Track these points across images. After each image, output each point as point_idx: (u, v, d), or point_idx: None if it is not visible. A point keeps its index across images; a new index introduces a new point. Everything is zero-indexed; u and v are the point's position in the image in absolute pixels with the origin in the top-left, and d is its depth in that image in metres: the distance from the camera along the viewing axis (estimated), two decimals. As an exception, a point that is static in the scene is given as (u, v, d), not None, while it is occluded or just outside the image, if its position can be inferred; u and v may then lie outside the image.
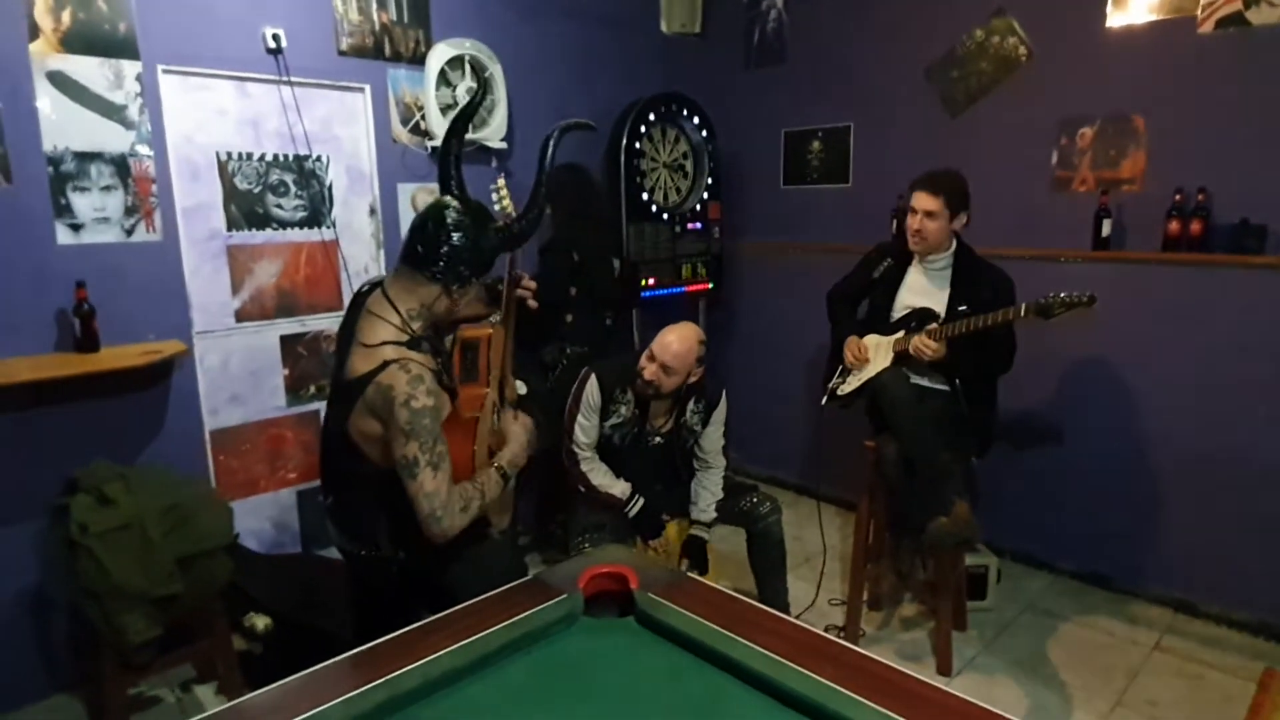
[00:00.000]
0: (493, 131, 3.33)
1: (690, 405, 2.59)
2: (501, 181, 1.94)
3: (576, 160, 3.61)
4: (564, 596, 1.53)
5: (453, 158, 1.78)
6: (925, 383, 2.68)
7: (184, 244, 2.71)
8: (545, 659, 1.40)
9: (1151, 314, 2.95)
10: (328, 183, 3.03)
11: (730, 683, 1.34)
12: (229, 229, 2.83)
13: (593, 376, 2.58)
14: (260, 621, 2.55)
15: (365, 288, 1.81)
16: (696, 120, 3.91)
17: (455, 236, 1.64)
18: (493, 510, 1.84)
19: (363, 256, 3.16)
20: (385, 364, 1.60)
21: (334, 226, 3.06)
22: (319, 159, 2.99)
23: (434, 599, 1.84)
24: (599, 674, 1.38)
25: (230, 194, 2.81)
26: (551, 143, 1.83)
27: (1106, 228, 3.00)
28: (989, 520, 3.20)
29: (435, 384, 1.63)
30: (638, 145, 3.69)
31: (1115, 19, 2.95)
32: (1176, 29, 2.81)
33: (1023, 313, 2.38)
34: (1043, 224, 3.18)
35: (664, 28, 4.02)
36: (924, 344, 2.53)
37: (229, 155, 2.80)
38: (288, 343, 3.00)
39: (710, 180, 3.98)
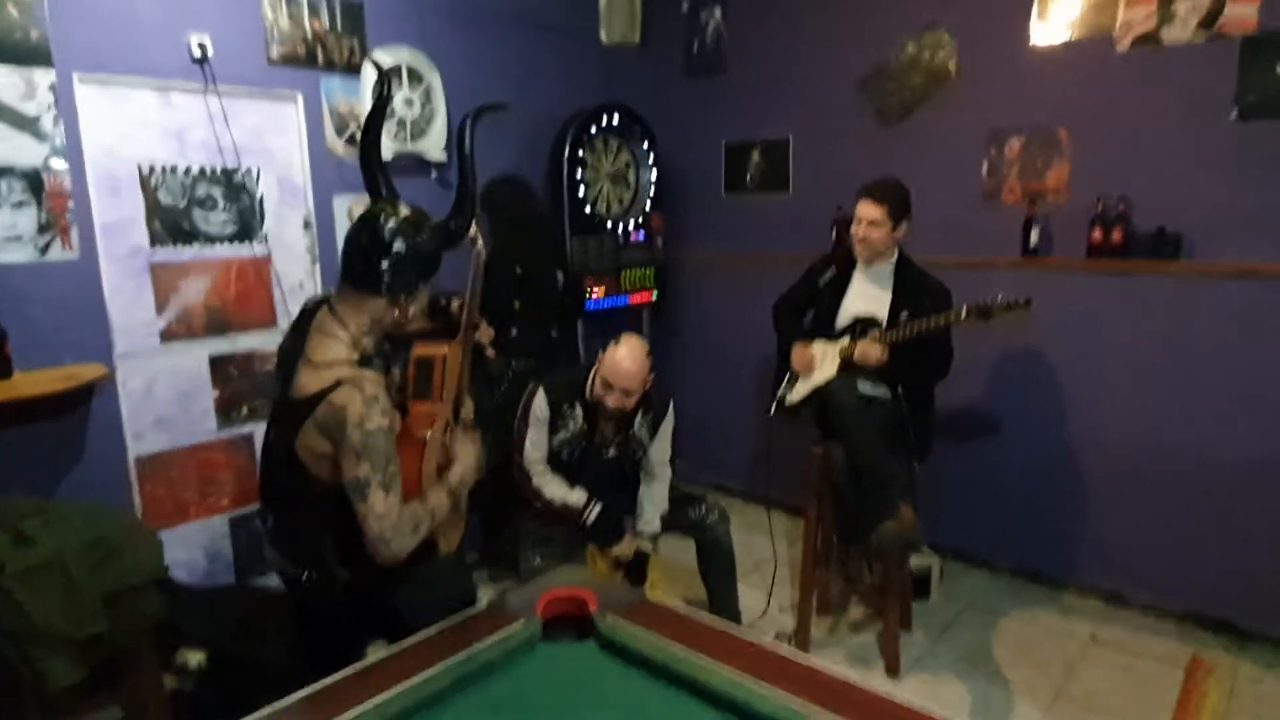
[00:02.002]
0: (431, 143, 3.27)
1: (638, 417, 2.59)
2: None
3: (518, 172, 3.57)
4: (521, 622, 1.50)
5: (375, 162, 1.74)
6: (870, 389, 2.74)
7: (103, 262, 2.57)
8: (504, 689, 1.37)
9: (1078, 318, 3.07)
10: (258, 196, 2.92)
11: (694, 704, 1.33)
12: (153, 245, 2.70)
13: (540, 391, 2.55)
14: (193, 658, 2.43)
15: (311, 305, 1.76)
16: (638, 130, 3.92)
17: (393, 245, 1.60)
18: (442, 529, 1.80)
19: (297, 272, 3.05)
20: (338, 383, 1.56)
21: (266, 241, 2.95)
22: (249, 171, 2.89)
23: (383, 621, 1.81)
24: (560, 702, 1.35)
25: (154, 209, 2.69)
26: (468, 130, 1.77)
27: (1034, 236, 3.12)
28: (929, 521, 3.26)
29: (389, 403, 1.60)
30: (580, 155, 3.68)
31: (1039, 36, 3.07)
32: (1096, 47, 2.95)
33: (964, 315, 2.46)
34: (974, 233, 3.28)
35: (603, 38, 4.02)
36: (869, 349, 2.58)
37: (152, 168, 2.67)
38: (218, 363, 2.88)
39: (653, 191, 3.99)
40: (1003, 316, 2.42)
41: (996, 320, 2.43)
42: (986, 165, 3.25)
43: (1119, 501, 3.10)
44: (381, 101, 1.78)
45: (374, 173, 1.74)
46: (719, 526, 2.68)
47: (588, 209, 3.74)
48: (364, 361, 1.64)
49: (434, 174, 3.35)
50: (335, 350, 1.61)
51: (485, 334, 1.98)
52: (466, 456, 1.85)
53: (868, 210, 2.65)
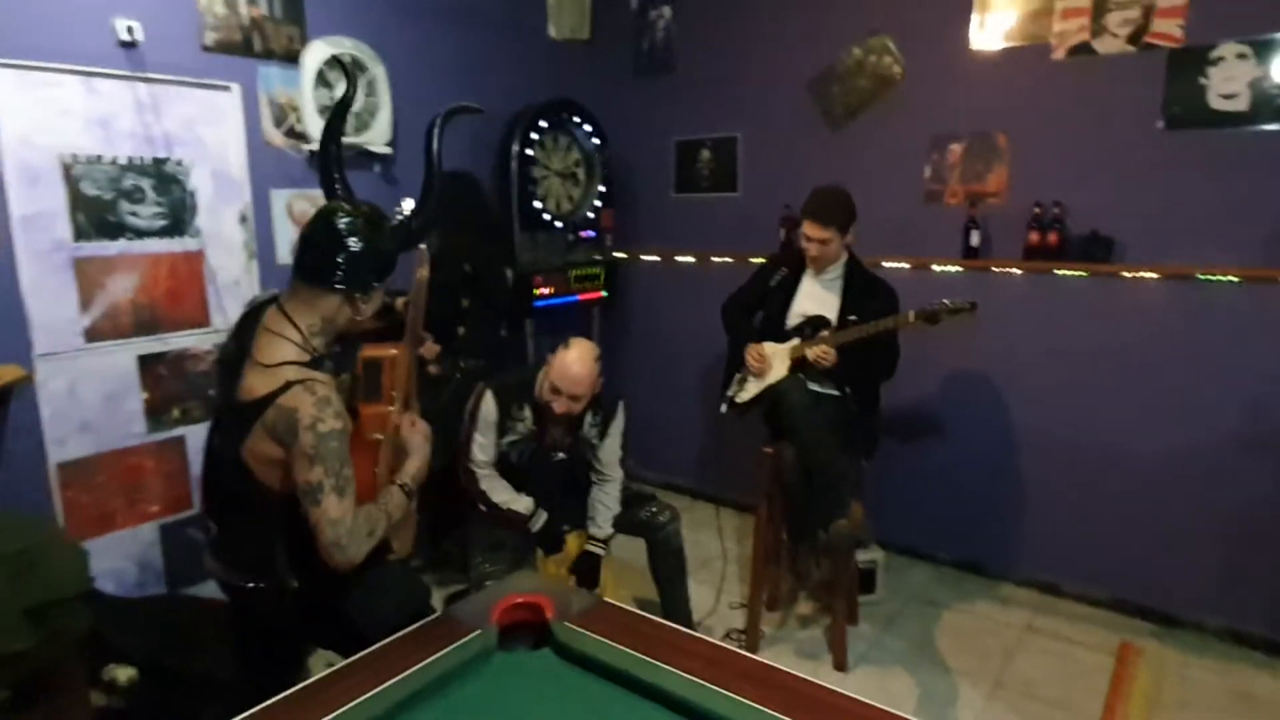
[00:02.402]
0: (376, 135, 3.18)
1: (588, 418, 2.56)
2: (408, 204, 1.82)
3: (466, 168, 3.50)
4: (477, 633, 1.47)
5: (333, 160, 1.69)
6: (819, 388, 2.77)
7: (21, 257, 2.43)
8: (461, 701, 1.34)
9: (1016, 319, 3.17)
10: (191, 188, 2.80)
11: (653, 709, 1.32)
12: (76, 239, 2.56)
13: (488, 394, 2.50)
14: (123, 674, 2.31)
15: (257, 304, 1.70)
16: (588, 128, 3.89)
17: (350, 242, 1.55)
18: (395, 531, 1.76)
19: (233, 268, 2.93)
20: (288, 385, 1.50)
21: (199, 235, 2.82)
22: (180, 162, 2.76)
23: (333, 630, 1.76)
24: (519, 713, 1.33)
25: (77, 201, 2.54)
26: (436, 130, 1.74)
27: (975, 238, 3.20)
28: (874, 517, 3.34)
29: (342, 405, 1.55)
30: (529, 153, 3.63)
31: (979, 43, 3.15)
32: (1033, 55, 3.04)
33: (911, 319, 2.50)
34: (917, 234, 3.36)
35: (552, 33, 3.97)
36: (824, 352, 2.62)
37: (75, 158, 2.53)
38: (147, 363, 2.75)
39: (603, 188, 3.97)
40: (949, 320, 2.47)
41: (942, 324, 2.48)
42: (929, 169, 3.32)
43: (1053, 496, 3.21)
44: (346, 99, 1.75)
45: (331, 170, 1.69)
46: (670, 526, 2.67)
47: (537, 206, 3.69)
48: (315, 363, 1.59)
49: (378, 167, 3.26)
50: (285, 351, 1.55)
51: (430, 350, 1.94)
52: (418, 450, 1.81)
53: (816, 231, 2.69)
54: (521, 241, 3.63)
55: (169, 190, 2.74)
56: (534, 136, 3.66)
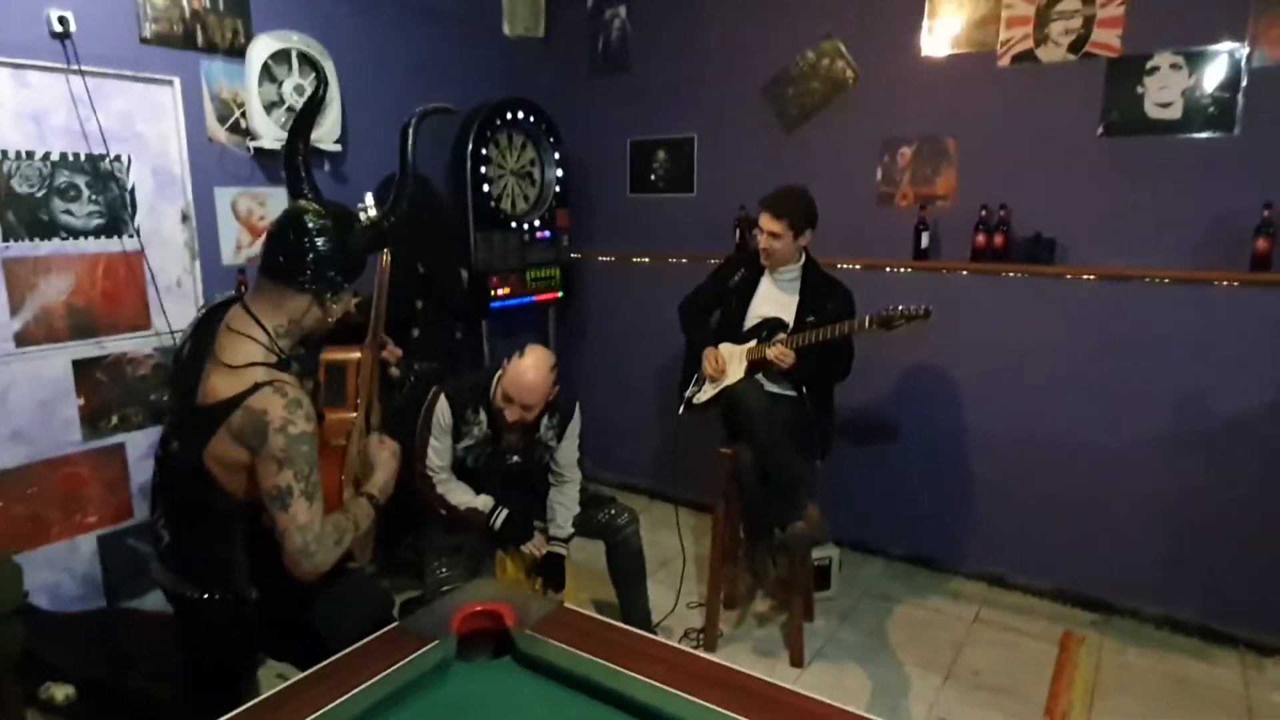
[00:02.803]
0: (325, 133, 3.11)
1: (544, 421, 2.55)
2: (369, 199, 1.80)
3: (419, 167, 3.42)
4: (436, 643, 1.45)
5: (300, 159, 1.67)
6: (776, 389, 2.80)
7: (-54, 257, 2.30)
8: (421, 714, 1.31)
9: (964, 319, 3.24)
10: (129, 186, 2.69)
11: (616, 716, 1.32)
12: (6, 239, 2.44)
13: (442, 398, 2.47)
14: (60, 692, 2.22)
15: (215, 305, 1.66)
16: (544, 127, 3.86)
17: (320, 241, 1.53)
18: (357, 541, 1.72)
19: (174, 268, 2.83)
20: (256, 386, 1.47)
21: (138, 235, 2.72)
22: (118, 159, 2.65)
23: (293, 642, 1.73)
24: (480, 724, 1.31)
25: (7, 199, 2.43)
26: (411, 129, 1.75)
27: (925, 240, 3.27)
28: (828, 514, 3.37)
29: (311, 408, 1.53)
30: (484, 152, 3.58)
31: (928, 48, 3.21)
32: (980, 61, 3.11)
33: (866, 324, 2.54)
34: (869, 236, 3.41)
35: (506, 30, 3.93)
36: (783, 353, 2.64)
37: (4, 154, 2.41)
38: (83, 368, 2.64)
39: (558, 188, 3.95)
40: (903, 326, 2.52)
41: (897, 329, 2.53)
42: (881, 171, 3.38)
43: (1000, 491, 3.30)
44: (317, 97, 1.74)
45: (298, 169, 1.67)
46: (629, 527, 2.67)
47: (492, 205, 3.65)
48: (282, 364, 1.55)
49: (327, 165, 3.18)
50: (251, 351, 1.51)
51: (392, 354, 1.91)
52: (386, 465, 1.79)
53: (768, 223, 2.71)
54: (476, 242, 3.58)
55: (106, 188, 2.63)
56: (488, 135, 3.61)
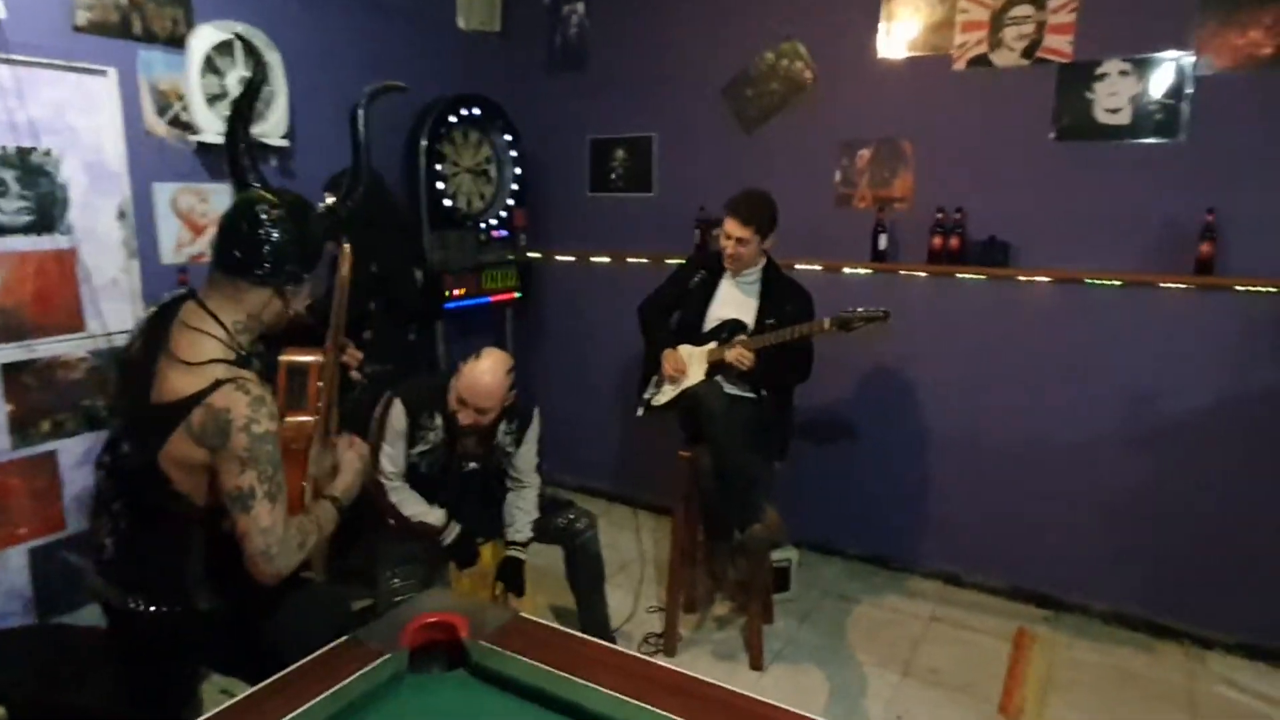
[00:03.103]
0: (272, 127, 3.00)
1: (502, 426, 2.51)
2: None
3: (372, 163, 3.34)
4: (387, 657, 1.40)
5: (243, 147, 1.64)
6: (735, 391, 2.79)
7: None
8: (370, 735, 1.27)
9: (921, 320, 3.28)
10: (62, 181, 2.56)
11: (573, 731, 1.29)
12: (-75, 236, 2.30)
13: (396, 402, 2.41)
14: (-11, 714, 2.11)
15: (165, 302, 1.60)
16: (499, 123, 3.80)
17: (275, 231, 1.51)
18: (317, 548, 1.69)
19: (110, 268, 2.71)
20: (218, 383, 1.42)
21: (71, 233, 2.59)
22: (49, 153, 2.52)
23: (246, 655, 1.67)
24: (432, 744, 1.27)
25: (-74, 193, 2.29)
26: (361, 111, 1.73)
27: (883, 242, 3.30)
28: (787, 515, 3.39)
29: (275, 407, 1.50)
30: (438, 148, 3.51)
31: (886, 51, 3.23)
32: (935, 65, 3.14)
33: (826, 326, 2.55)
34: (828, 237, 3.43)
35: (461, 24, 3.85)
36: (743, 355, 2.63)
37: (-78, 145, 2.28)
38: (11, 372, 2.50)
39: (515, 186, 3.89)
40: (862, 328, 2.53)
41: (856, 331, 2.53)
42: (840, 173, 3.39)
43: (954, 489, 3.35)
44: (255, 82, 1.70)
45: (240, 159, 1.64)
46: (587, 534, 2.65)
47: (448, 203, 3.58)
48: (242, 361, 1.51)
49: (274, 161, 3.08)
50: (209, 348, 1.47)
51: (353, 357, 1.86)
52: (351, 466, 1.77)
53: (735, 229, 2.70)
54: (431, 241, 3.51)
55: (36, 183, 2.50)
56: (443, 131, 3.54)
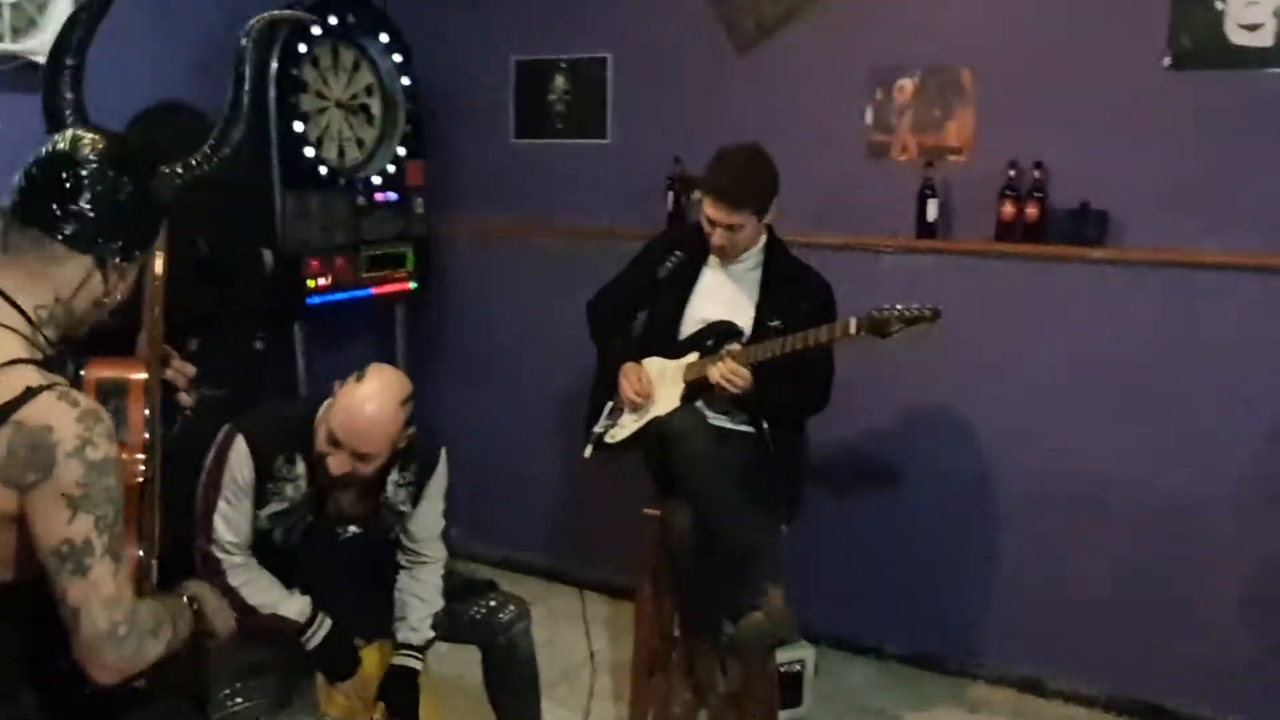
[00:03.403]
0: (44, 41, 2.98)
1: (394, 476, 2.50)
2: None
3: (193, 98, 3.32)
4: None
5: (67, 77, 1.67)
6: (725, 423, 2.83)
7: None
8: None
9: (987, 319, 3.34)
10: None
11: None
12: None
13: (238, 440, 2.40)
14: None
15: None
16: (385, 39, 3.81)
17: (108, 182, 1.53)
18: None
19: None
20: (30, 392, 1.42)
21: None
22: None
23: None
24: None
25: None
26: (248, 42, 1.81)
27: (932, 210, 3.36)
28: (799, 599, 3.44)
29: (112, 424, 1.50)
30: (295, 74, 3.50)
31: (937, -56, 3.32)
32: (1009, -37, 3.24)
33: (852, 330, 2.59)
34: (856, 204, 3.48)
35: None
36: (734, 372, 2.65)
37: None
38: None
39: (409, 129, 3.90)
40: (902, 333, 2.57)
41: (894, 337, 2.58)
42: (871, 111, 3.46)
43: (1034, 562, 3.39)
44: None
45: (61, 89, 1.67)
46: (515, 625, 2.65)
47: (309, 154, 3.57)
48: (53, 363, 1.52)
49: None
50: (7, 344, 1.47)
51: (181, 371, 1.86)
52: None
53: (723, 215, 2.72)
54: (286, 208, 3.50)
55: None
56: (302, 50, 3.52)
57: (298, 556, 2.48)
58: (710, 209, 2.75)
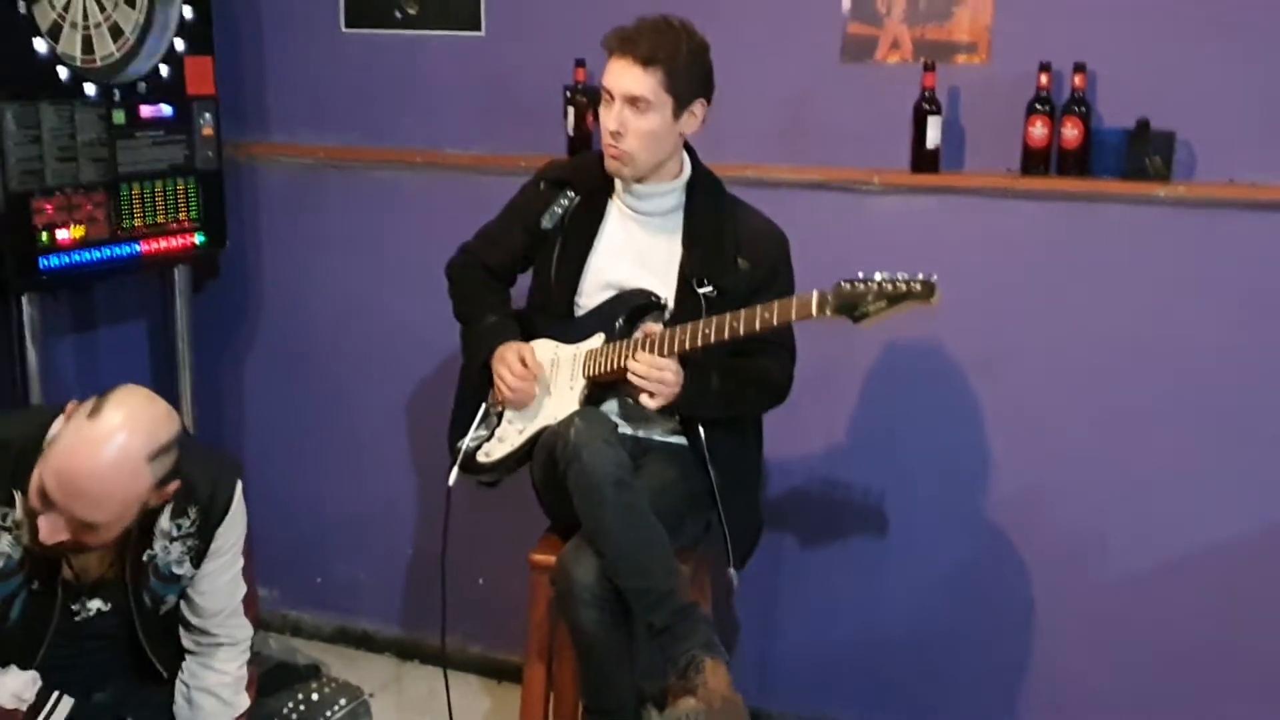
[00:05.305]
0: None
1: (164, 523, 2.45)
2: None
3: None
4: None
5: None
6: (642, 433, 2.85)
7: None
8: None
9: (1005, 289, 3.38)
10: None
11: None
12: None
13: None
14: None
15: None
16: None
17: None
18: None
19: None
20: None
21: None
22: None
23: None
24: None
25: None
26: None
27: (934, 131, 3.36)
28: (754, 674, 3.46)
29: None
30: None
31: None
32: None
33: (815, 309, 2.58)
34: (827, 122, 3.50)
35: None
36: (655, 365, 2.65)
37: None
38: None
39: (190, 12, 3.83)
40: (884, 313, 2.56)
41: (873, 319, 2.57)
42: (850, -4, 3.47)
43: (1062, 619, 3.47)
44: None
45: None
46: (348, 726, 2.65)
47: (40, 48, 3.49)
48: None
49: None
50: None
51: None
52: None
53: (627, 78, 2.71)
54: (5, 127, 3.42)
55: None
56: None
57: (23, 641, 2.44)
58: (610, 72, 2.75)
